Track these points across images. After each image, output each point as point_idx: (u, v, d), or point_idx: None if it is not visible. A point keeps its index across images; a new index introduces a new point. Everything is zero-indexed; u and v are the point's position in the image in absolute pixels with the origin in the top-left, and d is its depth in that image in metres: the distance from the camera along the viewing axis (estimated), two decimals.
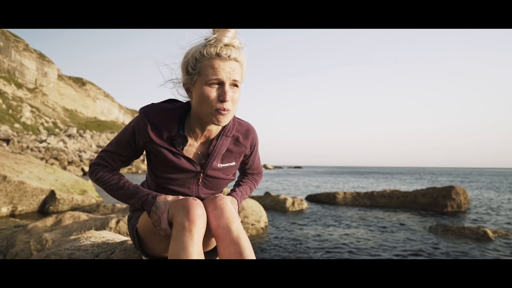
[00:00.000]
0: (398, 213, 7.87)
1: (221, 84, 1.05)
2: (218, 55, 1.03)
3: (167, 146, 1.12)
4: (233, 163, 1.24)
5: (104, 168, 1.19)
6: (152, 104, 1.17)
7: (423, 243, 4.80)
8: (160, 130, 1.12)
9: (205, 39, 1.06)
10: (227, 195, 1.24)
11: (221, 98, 1.04)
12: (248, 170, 1.40)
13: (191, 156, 1.17)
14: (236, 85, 1.08)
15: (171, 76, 1.16)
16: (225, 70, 1.03)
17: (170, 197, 1.12)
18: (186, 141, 1.14)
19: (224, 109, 1.05)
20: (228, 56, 1.04)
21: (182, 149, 1.15)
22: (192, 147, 1.17)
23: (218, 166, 1.19)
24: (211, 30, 1.07)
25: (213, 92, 1.04)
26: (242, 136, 1.23)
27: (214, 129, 1.16)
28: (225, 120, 1.08)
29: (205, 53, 1.04)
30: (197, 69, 1.06)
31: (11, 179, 6.09)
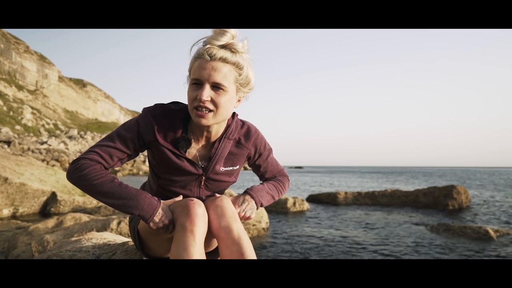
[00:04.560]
0: (400, 212, 7.86)
1: (201, 84, 1.03)
2: (201, 55, 1.02)
3: (171, 148, 1.11)
4: (237, 167, 1.23)
5: (97, 164, 1.04)
6: (157, 104, 1.14)
7: (425, 243, 4.79)
8: (165, 131, 1.10)
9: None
10: (244, 192, 1.24)
11: (198, 97, 1.01)
12: (266, 174, 1.35)
13: (193, 158, 1.17)
14: (221, 88, 1.03)
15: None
16: (205, 71, 1.01)
17: (169, 202, 1.12)
18: (190, 144, 1.12)
19: (201, 108, 1.03)
20: (211, 57, 1.01)
21: (185, 151, 1.14)
22: (194, 149, 1.17)
23: (221, 169, 1.18)
24: (212, 30, 1.05)
25: (192, 92, 1.04)
26: (244, 138, 1.22)
27: (215, 132, 1.15)
28: (205, 121, 1.04)
29: (196, 53, 1.05)
30: (190, 69, 1.07)
31: (12, 181, 6.10)
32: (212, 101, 1.03)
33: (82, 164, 1.02)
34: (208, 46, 1.02)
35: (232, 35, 1.04)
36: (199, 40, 1.06)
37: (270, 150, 1.33)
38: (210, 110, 1.04)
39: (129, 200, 1.02)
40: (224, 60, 1.02)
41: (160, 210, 1.05)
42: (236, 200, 1.21)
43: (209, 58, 1.01)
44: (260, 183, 1.33)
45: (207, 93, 1.01)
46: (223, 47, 1.03)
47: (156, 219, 1.04)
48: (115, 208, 1.03)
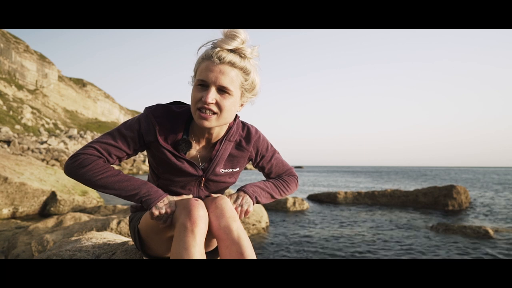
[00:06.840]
0: (399, 212, 7.86)
1: (207, 86, 1.03)
2: (210, 57, 1.02)
3: (171, 149, 1.11)
4: (237, 169, 1.23)
5: (99, 159, 1.05)
6: (159, 105, 1.14)
7: (424, 243, 4.80)
8: (166, 132, 1.10)
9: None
10: (238, 190, 1.22)
11: (203, 99, 1.01)
12: (272, 175, 1.35)
13: (193, 159, 1.17)
14: (227, 92, 1.03)
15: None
16: (213, 73, 1.01)
17: (175, 198, 1.12)
18: (191, 146, 1.12)
19: (205, 110, 1.03)
20: (220, 60, 1.01)
21: (185, 154, 1.13)
22: (194, 150, 1.17)
23: (221, 171, 1.18)
24: (223, 32, 1.05)
25: (197, 93, 1.03)
26: (244, 140, 1.21)
27: (216, 134, 1.15)
28: (207, 123, 1.04)
29: (204, 55, 1.04)
30: (196, 69, 1.07)
31: (12, 181, 6.10)
32: (217, 104, 1.03)
33: (84, 159, 1.03)
34: (217, 49, 1.02)
35: (242, 39, 1.03)
36: (208, 42, 1.06)
37: (274, 151, 1.32)
38: (214, 113, 1.04)
39: (137, 188, 1.06)
40: (232, 64, 1.02)
41: (165, 199, 1.07)
42: (230, 199, 1.19)
43: (218, 61, 1.01)
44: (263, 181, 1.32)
45: (212, 95, 1.01)
46: (232, 51, 1.03)
47: (160, 205, 1.05)
48: (119, 197, 1.06)
